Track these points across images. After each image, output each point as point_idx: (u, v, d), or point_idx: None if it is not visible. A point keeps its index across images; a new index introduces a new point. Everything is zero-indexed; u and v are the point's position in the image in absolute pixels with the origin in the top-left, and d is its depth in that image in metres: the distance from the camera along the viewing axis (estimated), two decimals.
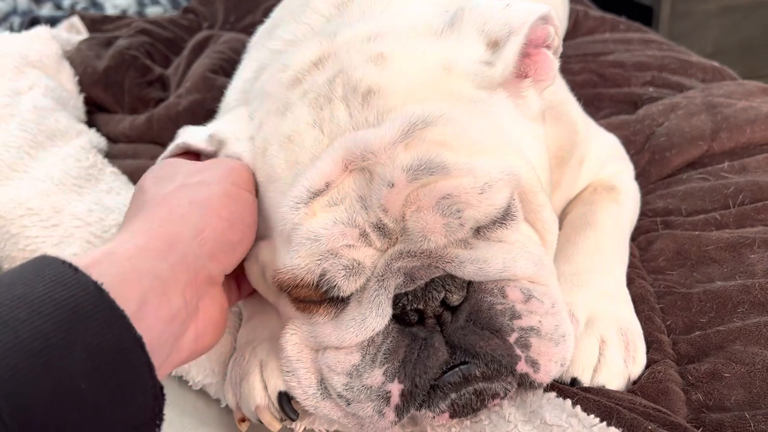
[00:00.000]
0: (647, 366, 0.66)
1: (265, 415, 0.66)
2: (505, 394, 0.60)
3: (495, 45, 0.63)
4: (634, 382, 0.66)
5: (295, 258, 0.58)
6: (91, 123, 1.26)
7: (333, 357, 0.60)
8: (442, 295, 0.58)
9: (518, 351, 0.59)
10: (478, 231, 0.59)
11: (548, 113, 0.72)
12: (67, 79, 1.27)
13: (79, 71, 1.30)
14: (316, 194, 0.58)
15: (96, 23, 1.54)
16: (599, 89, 1.23)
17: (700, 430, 0.59)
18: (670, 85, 1.20)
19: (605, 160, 0.86)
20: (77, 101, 1.26)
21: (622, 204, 0.84)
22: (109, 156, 1.13)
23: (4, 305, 0.43)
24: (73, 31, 1.51)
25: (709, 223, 0.86)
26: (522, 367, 0.59)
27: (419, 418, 0.61)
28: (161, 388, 0.47)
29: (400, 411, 0.59)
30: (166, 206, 0.57)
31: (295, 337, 0.63)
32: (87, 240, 0.88)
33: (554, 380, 0.63)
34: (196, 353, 0.58)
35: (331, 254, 0.57)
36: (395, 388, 0.58)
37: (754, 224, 0.84)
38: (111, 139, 1.22)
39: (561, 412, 0.60)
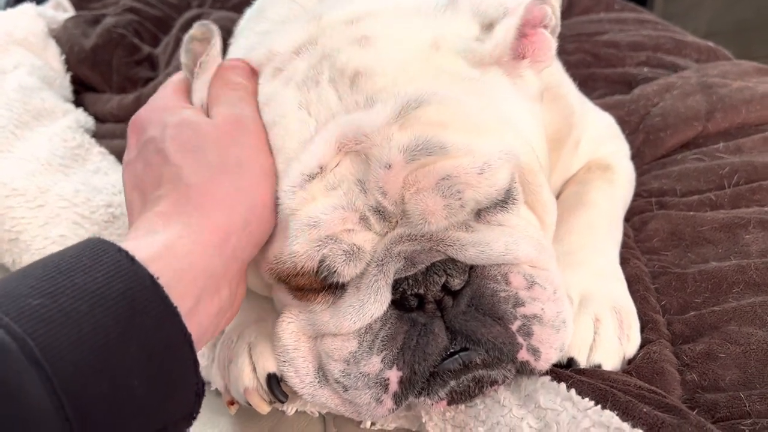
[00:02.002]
0: (642, 346, 0.66)
1: (254, 397, 0.65)
2: (504, 382, 0.60)
3: (490, 27, 0.62)
4: (629, 362, 0.65)
5: (294, 245, 0.56)
6: (78, 102, 1.24)
7: (330, 343, 0.59)
8: (443, 279, 0.57)
9: (520, 339, 0.58)
10: (479, 214, 0.58)
11: (545, 94, 0.71)
12: (54, 58, 1.25)
13: (66, 50, 1.27)
14: (311, 177, 0.57)
15: (83, 1, 1.51)
16: (593, 69, 1.22)
17: (696, 411, 0.59)
18: (664, 65, 1.18)
19: (601, 139, 0.86)
20: (64, 80, 1.24)
21: (616, 183, 0.83)
22: (97, 136, 1.11)
23: (66, 295, 0.42)
24: (60, 9, 1.48)
25: (704, 204, 0.85)
26: (523, 355, 0.58)
27: (415, 404, 0.61)
28: (203, 384, 0.47)
29: (399, 398, 0.58)
30: (215, 196, 0.54)
31: (292, 326, 0.62)
32: (73, 221, 0.87)
33: None
34: (219, 332, 0.58)
35: (331, 239, 0.56)
36: (393, 376, 0.57)
37: (750, 205, 0.83)
38: (99, 118, 1.21)
39: (555, 395, 0.59)
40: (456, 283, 0.57)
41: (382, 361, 0.57)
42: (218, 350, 0.70)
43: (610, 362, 0.64)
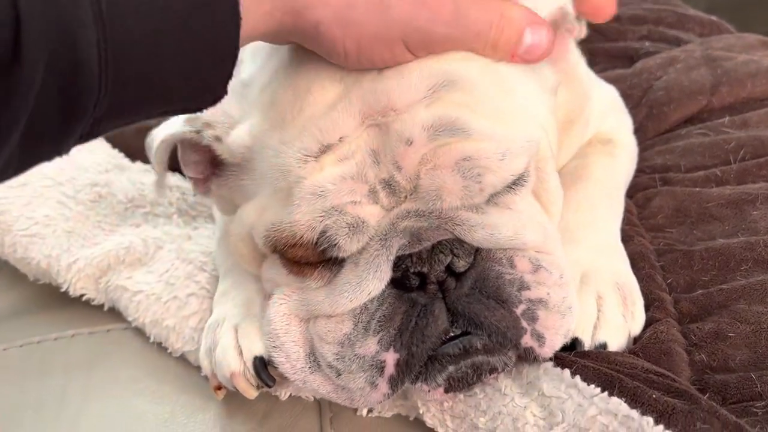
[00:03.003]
0: (649, 325, 0.64)
1: (241, 382, 0.62)
2: (504, 369, 0.58)
3: None
4: (635, 341, 0.63)
5: (296, 214, 0.54)
6: None
7: (324, 326, 0.57)
8: (449, 259, 0.55)
9: (524, 323, 0.56)
10: (490, 196, 0.57)
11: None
12: None
13: None
14: (328, 148, 0.55)
15: None
16: (593, 44, 1.19)
17: (706, 392, 0.57)
18: (667, 39, 1.16)
19: (605, 113, 0.83)
20: None
21: (617, 157, 0.80)
22: None
23: None
24: None
25: (710, 180, 0.82)
26: (527, 340, 0.56)
27: (412, 392, 0.59)
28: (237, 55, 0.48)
29: (394, 383, 0.56)
30: None
31: (283, 307, 0.59)
32: (58, 200, 0.84)
33: None
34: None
35: (336, 211, 0.54)
36: (390, 358, 0.55)
37: (756, 180, 0.81)
38: None
39: (560, 382, 0.57)
40: (461, 264, 0.55)
41: (378, 342, 0.55)
42: (204, 333, 0.67)
43: (616, 341, 0.62)
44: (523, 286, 0.56)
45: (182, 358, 0.73)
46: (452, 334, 0.56)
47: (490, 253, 0.56)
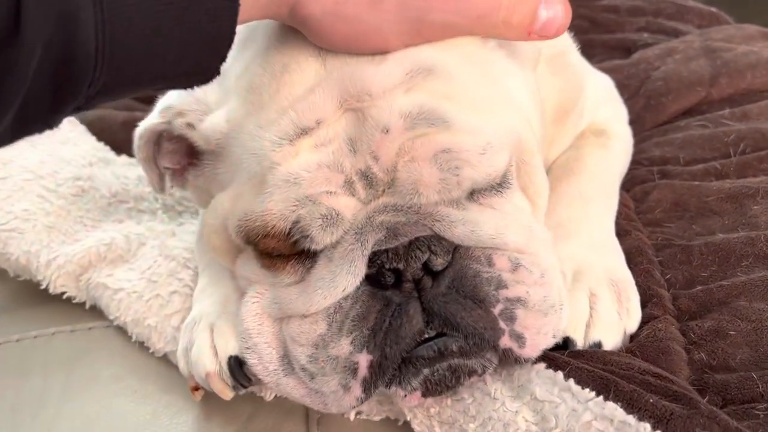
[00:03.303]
0: (646, 322, 0.62)
1: (216, 382, 0.60)
2: (483, 372, 0.55)
3: None
4: (632, 339, 0.61)
5: (268, 202, 0.52)
6: None
7: (297, 327, 0.55)
8: (426, 256, 0.53)
9: (502, 324, 0.53)
10: (472, 194, 0.55)
11: (549, 65, 0.67)
12: None
13: None
14: (304, 132, 0.53)
15: None
16: (591, 35, 1.17)
17: (706, 392, 0.55)
18: (665, 30, 1.14)
19: (600, 103, 0.81)
20: None
21: (611, 149, 0.78)
22: None
23: None
24: None
25: (709, 173, 0.81)
26: (506, 342, 0.54)
27: (387, 395, 0.56)
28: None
29: (368, 386, 0.53)
30: None
31: (256, 306, 0.57)
32: (38, 194, 0.82)
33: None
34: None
35: (309, 200, 0.52)
36: (363, 359, 0.53)
37: (757, 174, 0.79)
38: None
39: (552, 386, 0.54)
40: (439, 262, 0.53)
41: (351, 343, 0.53)
42: (181, 333, 0.65)
43: (611, 339, 0.60)
44: (501, 285, 0.54)
45: (165, 358, 0.70)
46: (427, 336, 0.54)
47: (469, 251, 0.54)
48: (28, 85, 0.41)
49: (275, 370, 0.56)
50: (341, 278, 0.53)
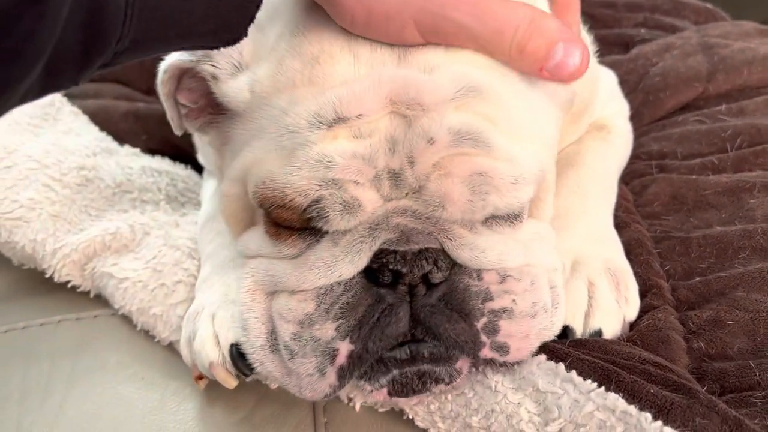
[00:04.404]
0: (646, 312, 0.63)
1: (220, 372, 0.61)
2: (450, 381, 0.57)
3: None
4: (632, 328, 0.62)
5: (293, 175, 0.52)
6: None
7: (285, 303, 0.56)
8: (430, 268, 0.54)
9: (483, 337, 0.55)
10: (487, 220, 0.55)
11: None
12: None
13: None
14: (343, 120, 0.52)
15: None
16: (589, 30, 1.18)
17: (704, 380, 0.56)
18: (662, 26, 1.15)
19: (606, 99, 0.82)
20: None
21: (611, 143, 0.79)
22: (69, 95, 1.05)
23: None
24: None
25: (706, 167, 0.82)
26: (486, 353, 0.56)
27: (359, 389, 0.58)
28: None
29: (343, 374, 0.55)
30: None
31: (249, 281, 0.58)
32: (44, 183, 0.82)
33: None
34: None
35: (335, 184, 0.52)
36: (344, 348, 0.54)
37: (753, 168, 0.81)
38: None
39: (554, 377, 0.56)
40: (438, 276, 0.54)
41: (336, 329, 0.54)
42: (184, 323, 0.66)
43: (610, 327, 0.61)
44: (488, 298, 0.55)
45: (171, 345, 0.71)
46: (406, 340, 0.55)
47: (464, 267, 0.55)
48: (58, 35, 0.40)
49: (262, 345, 0.57)
50: (341, 265, 0.54)
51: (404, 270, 0.54)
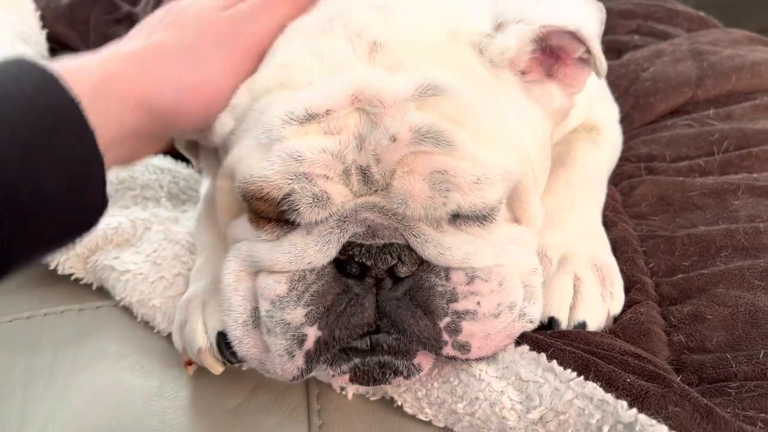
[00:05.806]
0: (629, 306, 0.65)
1: (207, 358, 0.64)
2: (408, 376, 0.59)
3: (500, 27, 0.61)
4: (615, 320, 0.64)
5: (267, 170, 0.55)
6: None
7: (263, 281, 0.58)
8: (395, 262, 0.56)
9: (445, 336, 0.57)
10: (455, 219, 0.57)
11: None
12: (28, 14, 1.21)
13: (41, 5, 1.23)
14: (313, 117, 0.56)
15: None
16: None
17: (683, 372, 0.58)
18: (655, 33, 1.17)
19: (594, 101, 0.84)
20: (39, 37, 1.19)
21: (601, 145, 0.82)
22: None
23: None
24: None
25: (693, 170, 0.84)
26: (448, 351, 0.58)
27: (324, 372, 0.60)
28: (106, 200, 0.54)
29: (310, 359, 0.57)
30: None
31: (233, 263, 0.61)
32: None
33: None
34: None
35: (306, 178, 0.55)
36: (312, 334, 0.57)
37: (738, 171, 0.83)
38: None
39: (536, 366, 0.58)
40: (403, 270, 0.57)
41: (306, 315, 0.57)
42: (177, 310, 0.68)
43: (595, 320, 0.63)
44: (453, 299, 0.57)
45: (170, 336, 0.73)
46: (372, 330, 0.57)
47: (431, 264, 0.57)
48: None
49: (245, 321, 0.59)
50: (311, 252, 0.56)
51: (369, 263, 0.56)
